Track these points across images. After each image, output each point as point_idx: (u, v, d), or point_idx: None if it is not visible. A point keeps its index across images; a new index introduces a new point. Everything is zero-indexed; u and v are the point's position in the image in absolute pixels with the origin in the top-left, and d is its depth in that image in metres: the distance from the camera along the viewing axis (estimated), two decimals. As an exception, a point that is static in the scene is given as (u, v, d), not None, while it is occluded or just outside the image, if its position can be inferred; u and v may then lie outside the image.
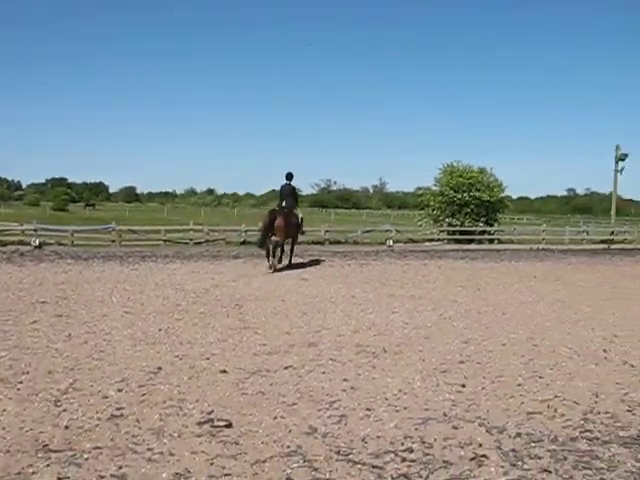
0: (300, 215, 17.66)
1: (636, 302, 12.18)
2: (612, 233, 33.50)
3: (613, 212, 37.82)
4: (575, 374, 6.84)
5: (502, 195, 32.64)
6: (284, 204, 17.06)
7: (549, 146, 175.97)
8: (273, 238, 16.27)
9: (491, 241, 30.51)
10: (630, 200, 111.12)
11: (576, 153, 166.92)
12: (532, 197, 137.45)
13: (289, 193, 17.33)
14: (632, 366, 7.25)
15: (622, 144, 36.24)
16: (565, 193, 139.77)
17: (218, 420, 5.21)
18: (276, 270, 16.12)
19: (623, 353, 7.89)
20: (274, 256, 16.37)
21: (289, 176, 17.22)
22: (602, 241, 32.40)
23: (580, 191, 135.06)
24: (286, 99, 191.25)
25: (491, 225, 31.84)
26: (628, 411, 5.66)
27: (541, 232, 31.69)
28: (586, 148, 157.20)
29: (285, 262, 17.29)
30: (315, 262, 19.13)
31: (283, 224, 16.30)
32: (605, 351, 7.98)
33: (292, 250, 17.96)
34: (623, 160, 34.60)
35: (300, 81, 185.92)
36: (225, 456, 4.53)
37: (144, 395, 5.84)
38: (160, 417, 5.28)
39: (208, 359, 7.21)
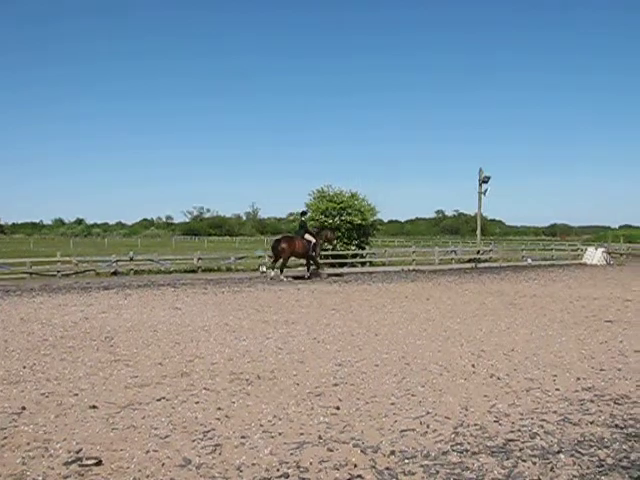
0: (313, 241, 23.99)
1: (502, 318, 12.87)
2: (478, 252, 35.25)
3: (479, 232, 39.80)
4: (446, 390, 7.11)
5: (374, 219, 33.57)
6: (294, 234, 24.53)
7: (419, 169, 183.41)
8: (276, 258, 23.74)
9: (363, 264, 31.24)
10: (493, 220, 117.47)
11: (445, 177, 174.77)
12: (402, 220, 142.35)
13: (300, 225, 24.71)
14: (498, 378, 7.65)
15: (485, 167, 38.55)
16: (434, 215, 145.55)
17: (87, 459, 4.99)
18: (272, 278, 22.93)
19: (490, 367, 8.31)
20: (273, 268, 23.79)
21: (302, 213, 25.49)
22: (469, 260, 34.06)
23: (449, 213, 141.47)
24: (155, 127, 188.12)
25: (363, 248, 32.61)
26: (495, 422, 5.95)
27: (411, 253, 32.85)
28: (454, 172, 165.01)
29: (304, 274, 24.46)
30: (189, 290, 18.89)
31: (282, 246, 23.46)
32: (473, 366, 8.37)
33: (307, 266, 24.70)
34: (486, 182, 36.48)
35: (170, 108, 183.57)
36: (91, 497, 4.34)
37: (5, 438, 5.49)
38: (23, 460, 4.98)
39: (76, 395, 6.91)
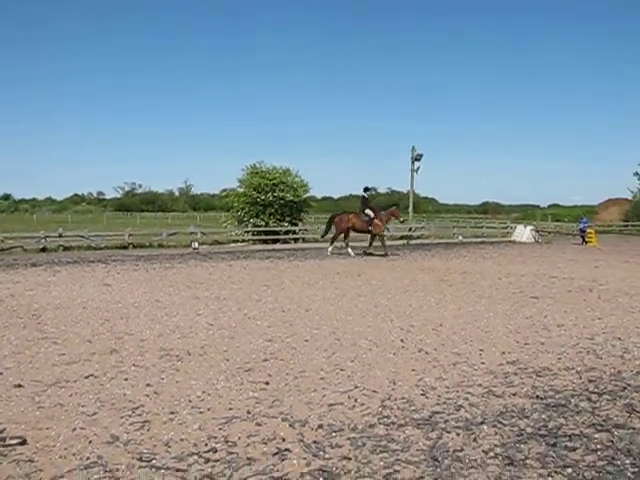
0: (371, 215, 24.04)
1: (432, 294, 13.18)
2: (410, 229, 35.78)
3: (411, 209, 40.31)
4: (374, 364, 7.26)
5: (306, 195, 33.65)
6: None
7: (354, 147, 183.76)
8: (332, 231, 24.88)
9: (296, 240, 31.35)
10: (426, 198, 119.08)
11: (378, 153, 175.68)
12: (336, 197, 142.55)
13: (362, 201, 24.82)
14: (427, 353, 7.86)
15: (418, 145, 39.00)
16: (367, 193, 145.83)
17: (10, 438, 4.90)
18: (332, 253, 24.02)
19: (419, 341, 8.52)
20: (331, 243, 24.63)
21: (365, 189, 25.16)
22: (402, 237, 34.55)
23: (381, 190, 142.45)
24: (89, 103, 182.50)
25: (296, 225, 32.70)
26: (422, 395, 6.12)
27: (344, 230, 33.08)
28: (387, 149, 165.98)
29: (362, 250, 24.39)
30: (119, 267, 18.63)
31: (335, 221, 24.59)
32: (402, 341, 8.56)
33: (370, 241, 24.77)
34: (419, 160, 36.96)
35: (100, 85, 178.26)
36: (18, 476, 4.27)
37: None
38: (-64, 442, 4.86)
39: (1, 374, 6.76)
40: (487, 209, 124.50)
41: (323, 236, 25.89)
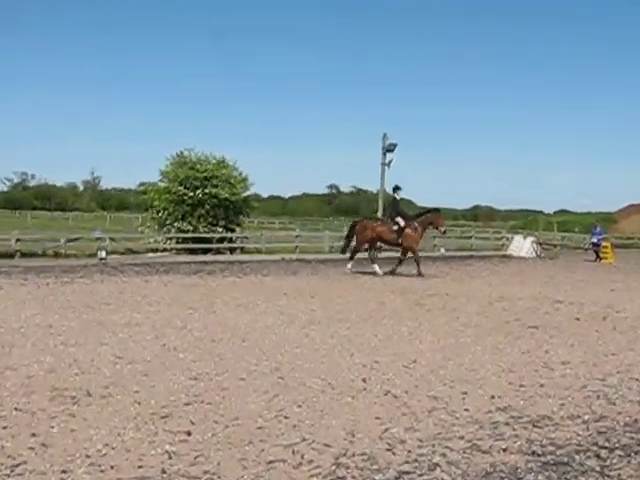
0: (401, 224, 23.55)
1: (404, 321, 13.28)
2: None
3: (380, 214, 40.31)
4: (328, 410, 7.26)
5: (247, 193, 33.60)
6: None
7: (310, 135, 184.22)
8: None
9: (233, 251, 31.27)
10: (401, 199, 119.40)
11: (340, 145, 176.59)
12: (286, 196, 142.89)
13: (391, 204, 24.97)
14: (395, 397, 7.89)
15: (391, 133, 38.60)
16: (326, 191, 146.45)
17: None
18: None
19: (385, 382, 8.56)
20: (351, 257, 24.71)
21: (394, 188, 24.77)
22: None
23: (345, 188, 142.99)
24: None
25: (233, 231, 32.61)
26: (388, 450, 6.13)
27: (295, 239, 33.17)
28: (353, 138, 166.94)
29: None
30: (2, 281, 18.41)
31: (356, 230, 24.64)
32: (365, 381, 8.59)
33: (400, 258, 24.58)
34: (391, 151, 36.93)
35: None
36: None
37: None
38: None
39: None
40: (478, 215, 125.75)
41: (344, 251, 25.85)
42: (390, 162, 37.47)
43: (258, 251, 31.39)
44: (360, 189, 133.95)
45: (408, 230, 23.66)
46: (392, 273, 23.58)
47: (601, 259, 33.27)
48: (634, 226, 67.92)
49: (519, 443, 6.40)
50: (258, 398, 7.68)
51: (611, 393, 8.33)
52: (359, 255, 24.90)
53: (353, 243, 24.98)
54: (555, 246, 40.73)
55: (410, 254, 24.24)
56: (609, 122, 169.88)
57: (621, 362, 10.11)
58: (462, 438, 6.51)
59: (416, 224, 23.93)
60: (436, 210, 25.68)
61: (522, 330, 12.67)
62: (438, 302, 16.24)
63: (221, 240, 31.37)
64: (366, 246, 24.72)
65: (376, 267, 23.68)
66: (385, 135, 37.18)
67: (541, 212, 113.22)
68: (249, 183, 33.66)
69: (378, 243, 25.43)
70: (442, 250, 35.80)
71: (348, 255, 25.03)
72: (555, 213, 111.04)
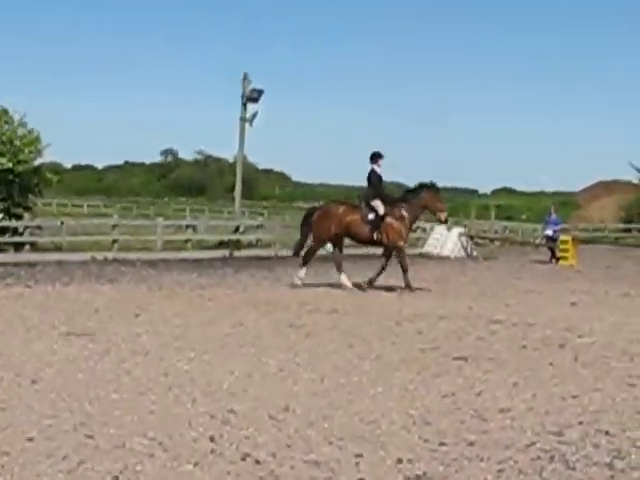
0: (380, 212, 22.99)
1: (269, 350, 13.37)
2: (237, 230, 35.95)
3: (238, 193, 40.05)
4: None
5: (40, 161, 33.13)
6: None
7: (130, 83, 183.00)
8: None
9: (19, 247, 30.81)
10: (270, 172, 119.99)
11: (181, 94, 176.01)
12: (100, 166, 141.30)
13: (368, 180, 24.04)
14: (257, 462, 7.79)
15: (256, 76, 38.37)
16: (160, 159, 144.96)
17: None
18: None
19: (243, 440, 8.49)
20: (304, 262, 24.43)
21: (373, 156, 24.01)
22: (221, 243, 34.76)
23: (186, 155, 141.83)
24: None
25: (18, 217, 32.12)
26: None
27: (112, 230, 32.85)
28: (199, 85, 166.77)
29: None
30: None
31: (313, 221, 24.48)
32: (213, 439, 8.54)
33: (383, 263, 24.06)
34: (255, 101, 36.75)
35: None
36: None
37: None
38: None
39: None
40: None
41: (296, 252, 25.62)
42: (254, 117, 37.41)
43: (57, 247, 30.99)
44: (209, 156, 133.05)
45: (390, 219, 23.16)
46: (370, 284, 23.39)
47: (558, 260, 33.90)
48: (604, 212, 69.59)
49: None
50: (54, 467, 7.55)
51: (570, 453, 8.38)
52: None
53: (310, 240, 24.57)
54: (493, 241, 41.60)
55: (395, 254, 23.93)
56: (569, 74, 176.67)
57: (584, 408, 10.28)
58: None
59: (402, 210, 23.41)
60: (432, 187, 24.90)
61: (444, 363, 12.83)
62: (322, 322, 16.33)
63: (1, 231, 30.87)
64: (328, 245, 24.83)
65: (344, 278, 23.39)
66: (246, 77, 36.99)
67: (475, 192, 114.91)
68: (43, 146, 33.17)
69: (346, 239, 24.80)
70: (328, 246, 36.04)
71: (301, 259, 24.64)
72: (494, 193, 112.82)
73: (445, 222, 27.52)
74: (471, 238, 37.91)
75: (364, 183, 23.92)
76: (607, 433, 9.19)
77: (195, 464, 7.78)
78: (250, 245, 35.61)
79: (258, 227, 39.03)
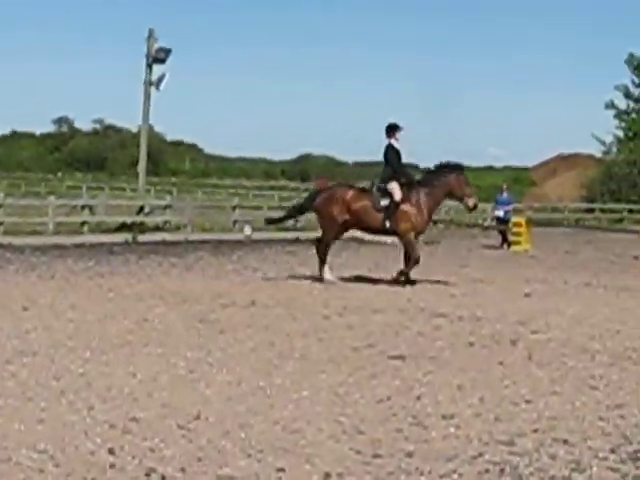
0: (396, 198, 22.41)
1: (180, 349, 13.33)
2: (141, 210, 35.88)
3: (142, 168, 39.80)
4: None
5: None
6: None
7: (13, 40, 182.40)
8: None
9: None
10: (179, 143, 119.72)
11: (76, 52, 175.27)
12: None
13: (385, 157, 23.37)
14: (164, 478, 7.80)
15: (160, 30, 38.18)
16: (53, 129, 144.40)
17: None
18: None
19: (147, 453, 8.36)
20: (321, 255, 23.44)
21: (389, 128, 23.36)
22: (123, 226, 34.65)
23: (83, 125, 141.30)
24: None
25: None
26: None
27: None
28: (98, 43, 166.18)
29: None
30: None
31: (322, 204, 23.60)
32: (112, 452, 8.41)
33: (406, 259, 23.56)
34: (162, 62, 36.52)
35: None
36: None
37: None
38: None
39: None
40: (308, 169, 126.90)
41: (273, 221, 27.26)
42: (161, 80, 37.22)
43: None
44: (109, 126, 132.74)
45: (406, 207, 22.71)
46: (407, 281, 22.85)
47: (510, 244, 34.16)
48: (563, 190, 70.04)
49: None
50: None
51: (523, 465, 8.41)
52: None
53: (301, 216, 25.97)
54: (435, 223, 41.78)
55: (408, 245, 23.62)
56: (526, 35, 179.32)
57: (540, 414, 10.38)
58: None
59: (422, 195, 22.90)
60: (457, 167, 24.52)
61: (379, 363, 12.89)
62: (238, 317, 16.32)
63: None
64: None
65: (327, 271, 23.11)
66: (151, 34, 36.79)
67: (416, 167, 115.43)
68: None
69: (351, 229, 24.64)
70: (246, 230, 36.06)
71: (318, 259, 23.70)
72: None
73: (474, 209, 26.24)
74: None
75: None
76: (565, 442, 9.25)
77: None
78: (156, 228, 35.55)
79: (166, 207, 38.86)
